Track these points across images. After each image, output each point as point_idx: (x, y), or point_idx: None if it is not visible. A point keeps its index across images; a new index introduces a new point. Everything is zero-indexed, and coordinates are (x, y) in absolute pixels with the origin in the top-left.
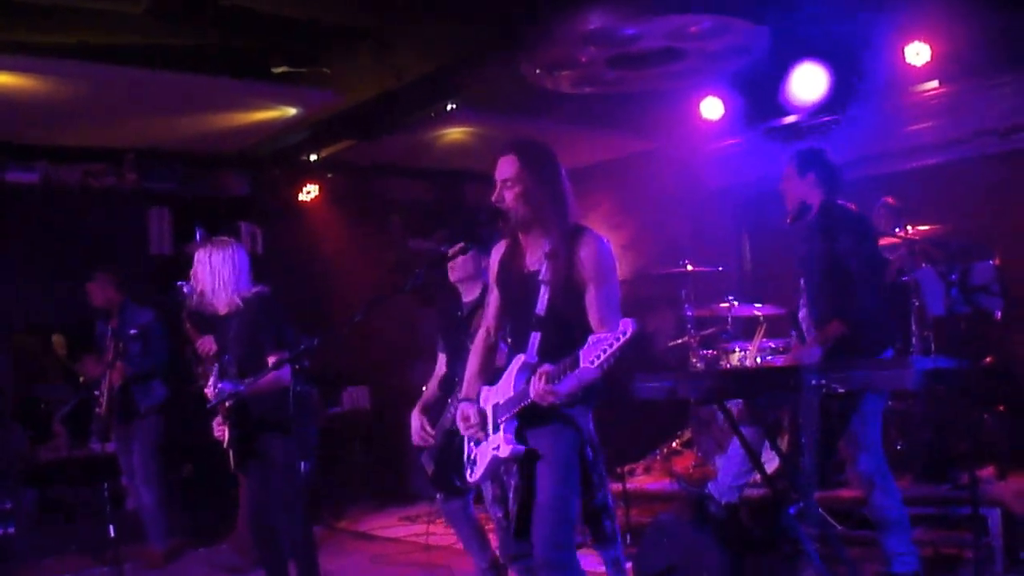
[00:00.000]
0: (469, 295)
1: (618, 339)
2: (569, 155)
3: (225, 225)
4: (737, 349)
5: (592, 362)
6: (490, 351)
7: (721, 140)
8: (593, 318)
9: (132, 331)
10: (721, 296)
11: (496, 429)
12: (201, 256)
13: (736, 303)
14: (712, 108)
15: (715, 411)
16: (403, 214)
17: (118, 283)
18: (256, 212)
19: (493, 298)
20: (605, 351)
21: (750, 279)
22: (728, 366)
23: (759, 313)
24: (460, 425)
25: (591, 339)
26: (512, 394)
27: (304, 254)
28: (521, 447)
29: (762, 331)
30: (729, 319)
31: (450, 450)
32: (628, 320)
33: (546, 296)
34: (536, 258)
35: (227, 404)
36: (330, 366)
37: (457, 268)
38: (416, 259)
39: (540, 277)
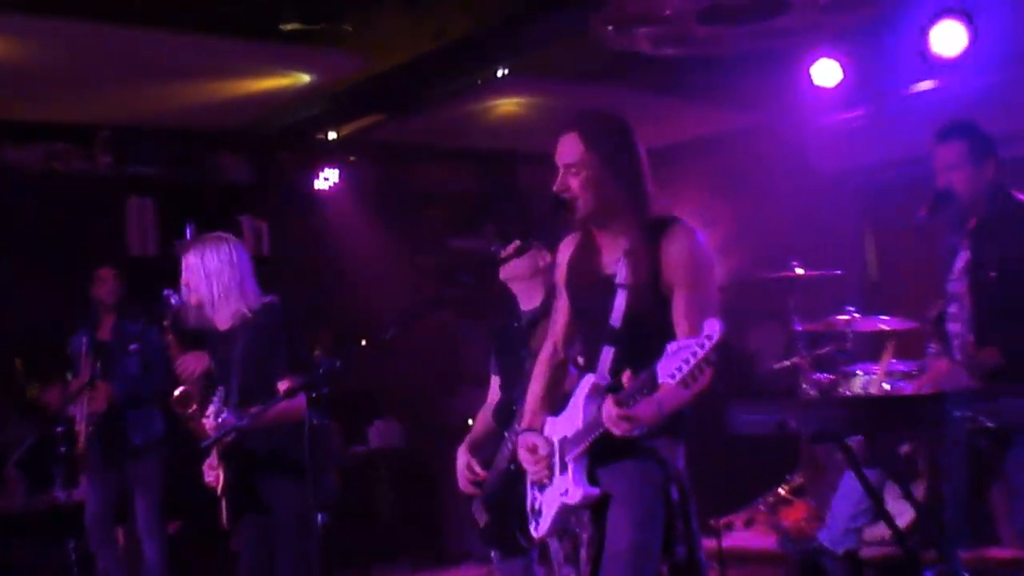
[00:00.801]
0: (528, 302)
1: (702, 345)
2: (648, 132)
3: (223, 219)
4: (859, 372)
5: (672, 376)
6: (557, 370)
7: (838, 113)
8: (681, 331)
9: (133, 346)
10: (839, 307)
11: (564, 469)
12: (192, 260)
13: (857, 315)
14: (826, 73)
15: (833, 450)
16: (444, 206)
17: (121, 281)
18: (261, 204)
19: (561, 305)
20: (688, 361)
21: (875, 286)
22: (848, 393)
23: (886, 328)
24: (524, 460)
25: (669, 348)
26: (580, 425)
27: (321, 256)
28: (595, 490)
29: (891, 350)
30: (849, 335)
31: (508, 496)
32: (713, 321)
33: (623, 303)
34: (613, 257)
35: (226, 440)
36: (354, 394)
37: (510, 267)
38: (460, 262)
39: (617, 280)
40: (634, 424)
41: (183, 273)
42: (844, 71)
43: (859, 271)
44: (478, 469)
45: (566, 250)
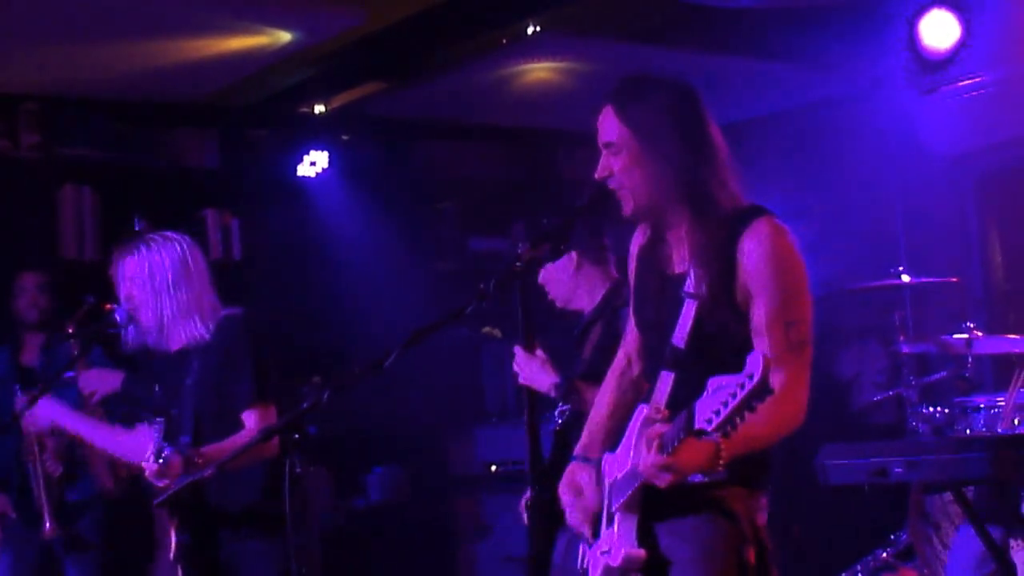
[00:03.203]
0: (589, 300)
1: (742, 386)
2: (717, 104)
3: (181, 214)
4: (982, 405)
5: (709, 421)
6: (630, 389)
7: (955, 80)
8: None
9: (69, 373)
10: (955, 322)
11: (610, 521)
12: (134, 268)
13: (980, 333)
14: (940, 30)
15: (948, 503)
16: (462, 198)
17: (50, 289)
18: (230, 195)
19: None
20: (726, 404)
21: (1001, 296)
22: (968, 432)
23: (1016, 349)
24: (564, 503)
25: (710, 385)
26: (629, 466)
27: (305, 260)
28: (639, 551)
29: (1022, 378)
30: (969, 358)
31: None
32: (754, 356)
33: (690, 318)
34: (683, 256)
35: (175, 491)
36: (348, 434)
37: (548, 276)
38: (482, 267)
39: (684, 289)
40: (677, 474)
41: (122, 284)
42: (962, 27)
43: (981, 277)
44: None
45: (637, 242)
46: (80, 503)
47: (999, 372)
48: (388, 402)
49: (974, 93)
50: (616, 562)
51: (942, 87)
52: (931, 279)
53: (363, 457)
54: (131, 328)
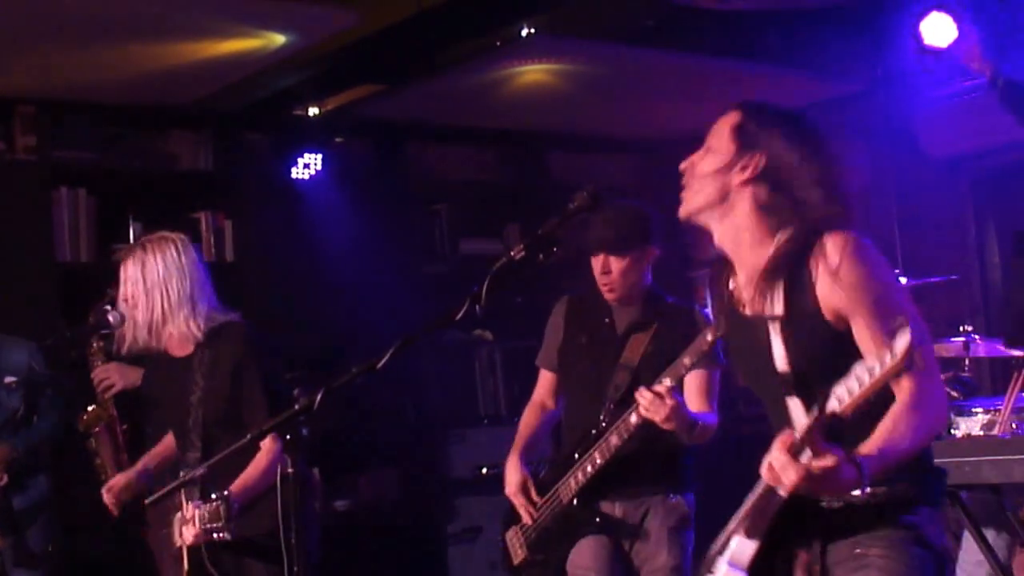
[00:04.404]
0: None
1: (883, 362)
2: (712, 107)
3: (175, 216)
4: (980, 409)
5: (839, 400)
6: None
7: (953, 82)
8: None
9: (8, 378)
10: (952, 325)
11: (723, 551)
12: (130, 270)
13: (977, 337)
14: (939, 30)
15: (947, 508)
16: (455, 200)
17: None
18: (224, 197)
19: None
20: (861, 382)
21: (1000, 299)
22: (966, 435)
23: (1017, 352)
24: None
25: (855, 368)
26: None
27: (299, 262)
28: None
29: (1020, 381)
30: (966, 361)
31: (560, 538)
32: (901, 334)
33: (779, 341)
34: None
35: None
36: (340, 436)
37: (625, 274)
38: (475, 270)
39: (765, 314)
40: (810, 480)
41: (121, 287)
42: (960, 28)
43: (980, 280)
44: (535, 495)
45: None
46: (27, 510)
47: (997, 375)
48: (380, 404)
49: (970, 98)
50: None
51: (936, 90)
52: (928, 282)
53: (354, 459)
54: (123, 332)
